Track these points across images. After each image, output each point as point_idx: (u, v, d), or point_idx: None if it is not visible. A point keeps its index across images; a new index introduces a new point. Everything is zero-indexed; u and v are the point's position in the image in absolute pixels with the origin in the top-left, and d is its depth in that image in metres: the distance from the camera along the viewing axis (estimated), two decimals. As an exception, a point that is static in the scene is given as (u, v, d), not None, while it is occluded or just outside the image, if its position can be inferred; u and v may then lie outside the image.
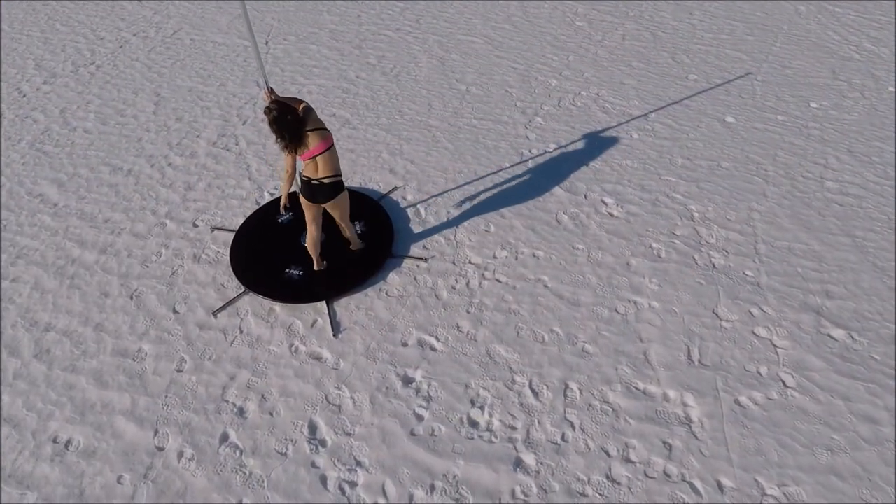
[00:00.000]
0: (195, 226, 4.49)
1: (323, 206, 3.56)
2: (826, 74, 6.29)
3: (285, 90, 6.20)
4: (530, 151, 5.20)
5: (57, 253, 4.30)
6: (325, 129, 3.35)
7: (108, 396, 3.33)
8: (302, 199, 3.57)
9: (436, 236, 4.34)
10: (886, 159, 5.04)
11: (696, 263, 4.07)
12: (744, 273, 3.99)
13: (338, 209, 3.62)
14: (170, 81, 6.43)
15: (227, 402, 3.29)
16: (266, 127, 5.38)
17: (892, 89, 6.04)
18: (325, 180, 3.42)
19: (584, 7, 7.90)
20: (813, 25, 7.32)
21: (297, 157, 3.38)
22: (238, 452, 3.05)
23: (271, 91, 3.34)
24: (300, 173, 3.50)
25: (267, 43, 7.19)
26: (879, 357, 3.45)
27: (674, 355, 3.48)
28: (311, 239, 3.75)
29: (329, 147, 3.34)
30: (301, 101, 3.34)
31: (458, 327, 3.66)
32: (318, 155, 3.31)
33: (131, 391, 3.36)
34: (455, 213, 4.53)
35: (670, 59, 6.65)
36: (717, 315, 3.71)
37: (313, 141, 3.27)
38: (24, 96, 6.26)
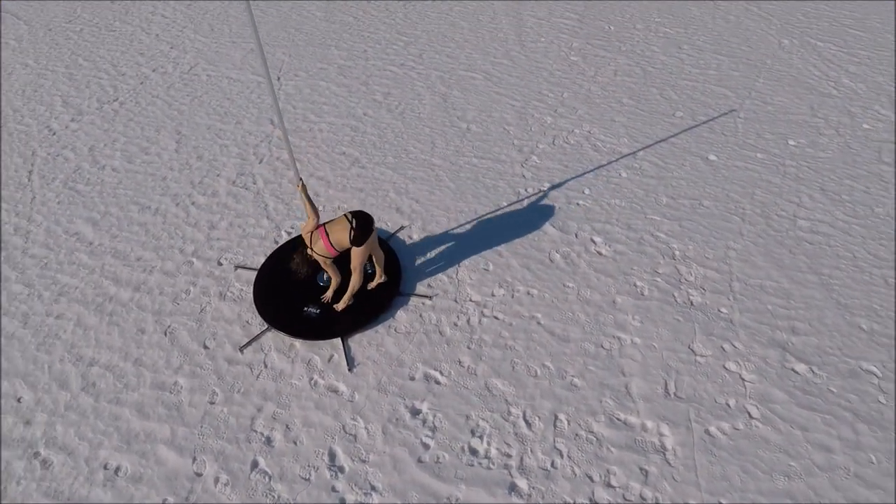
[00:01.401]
0: (220, 264, 4.93)
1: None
2: (805, 111, 6.71)
3: (297, 128, 6.64)
4: (526, 190, 5.63)
5: (95, 290, 4.74)
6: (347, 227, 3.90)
7: (149, 427, 3.77)
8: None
9: (439, 274, 4.77)
10: (856, 198, 5.46)
11: (676, 301, 4.49)
12: (718, 310, 4.42)
13: (357, 256, 4.07)
14: (189, 119, 6.88)
15: (256, 431, 3.72)
16: (280, 165, 5.85)
17: (866, 126, 6.46)
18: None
19: (578, 42, 8.34)
20: (795, 60, 7.75)
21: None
22: (267, 478, 3.48)
23: (303, 186, 3.87)
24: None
25: (279, 79, 7.63)
26: (836, 390, 3.87)
27: (652, 388, 3.91)
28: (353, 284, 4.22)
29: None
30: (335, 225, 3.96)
31: (460, 362, 4.09)
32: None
33: (170, 422, 3.79)
34: (457, 251, 4.95)
35: (659, 95, 7.08)
36: (692, 350, 4.14)
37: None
38: (55, 134, 6.71)
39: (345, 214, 4.03)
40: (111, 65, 8.17)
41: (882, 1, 9.33)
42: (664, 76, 7.50)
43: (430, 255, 4.93)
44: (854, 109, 6.73)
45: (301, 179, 3.93)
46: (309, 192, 5.51)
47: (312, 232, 3.95)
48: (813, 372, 3.98)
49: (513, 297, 4.55)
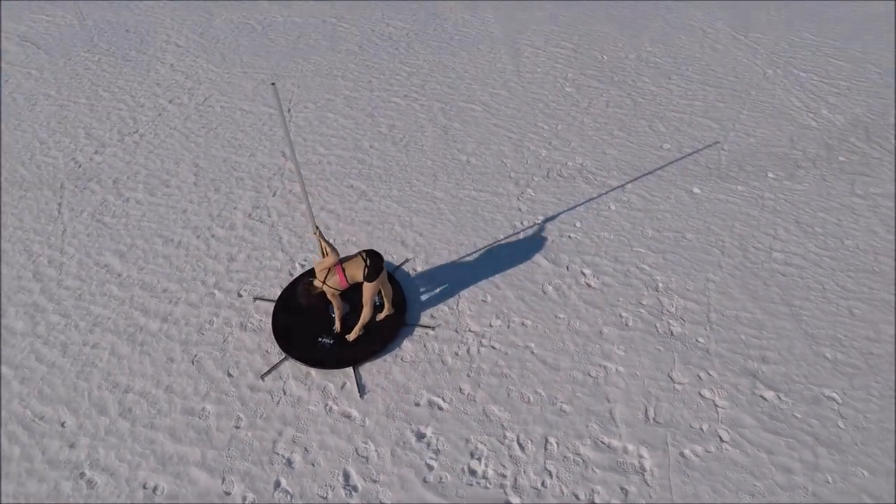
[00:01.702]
0: (239, 295, 5.37)
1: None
2: (785, 143, 7.15)
3: (307, 160, 7.08)
4: (522, 223, 6.06)
5: (126, 321, 5.18)
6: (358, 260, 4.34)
7: (182, 449, 4.21)
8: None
9: (441, 305, 5.20)
10: (828, 230, 5.89)
11: (658, 331, 4.93)
12: (696, 340, 4.85)
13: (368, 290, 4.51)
14: (206, 151, 7.33)
15: (278, 454, 4.15)
16: (293, 198, 6.29)
17: (841, 159, 6.89)
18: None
19: (573, 72, 8.79)
20: (778, 91, 8.19)
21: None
22: (289, 497, 3.91)
23: (320, 233, 4.32)
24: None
25: (289, 110, 8.09)
26: (800, 415, 4.30)
27: (634, 414, 4.34)
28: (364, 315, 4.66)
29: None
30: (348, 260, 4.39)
31: (460, 389, 4.53)
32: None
33: (200, 445, 4.23)
34: (457, 283, 5.39)
35: (648, 127, 7.53)
36: (671, 378, 4.57)
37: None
38: (80, 167, 7.16)
39: (359, 253, 4.47)
40: (130, 95, 8.63)
41: (863, 30, 9.77)
42: (653, 107, 7.94)
43: (433, 286, 5.36)
44: (831, 142, 7.16)
45: (317, 228, 4.37)
46: (321, 227, 5.96)
47: (330, 268, 4.38)
48: (780, 398, 4.40)
49: (508, 327, 4.98)
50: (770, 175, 6.65)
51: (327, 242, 4.36)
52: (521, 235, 5.91)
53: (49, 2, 11.63)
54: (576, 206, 6.24)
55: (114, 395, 4.57)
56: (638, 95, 8.19)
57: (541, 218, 6.11)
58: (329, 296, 4.54)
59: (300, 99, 8.34)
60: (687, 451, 4.08)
